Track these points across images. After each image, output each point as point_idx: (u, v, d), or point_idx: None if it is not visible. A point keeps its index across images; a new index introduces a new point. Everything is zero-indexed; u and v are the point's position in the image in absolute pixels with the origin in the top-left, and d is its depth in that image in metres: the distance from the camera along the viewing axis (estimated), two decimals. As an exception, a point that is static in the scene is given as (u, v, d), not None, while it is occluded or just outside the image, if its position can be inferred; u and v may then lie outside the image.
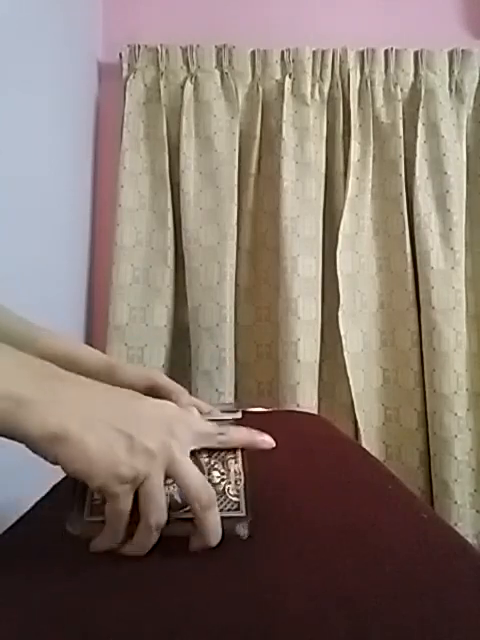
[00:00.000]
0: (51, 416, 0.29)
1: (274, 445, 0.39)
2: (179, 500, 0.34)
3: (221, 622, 0.27)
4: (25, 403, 0.29)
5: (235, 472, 0.38)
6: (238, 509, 0.35)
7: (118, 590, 0.30)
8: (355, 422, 1.30)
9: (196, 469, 0.33)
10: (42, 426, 0.29)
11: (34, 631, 0.27)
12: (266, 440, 0.40)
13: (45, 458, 0.30)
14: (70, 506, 0.35)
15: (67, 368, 0.45)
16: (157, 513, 0.32)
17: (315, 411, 1.27)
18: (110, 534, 0.33)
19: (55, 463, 0.30)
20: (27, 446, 0.29)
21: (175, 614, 0.27)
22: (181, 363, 1.37)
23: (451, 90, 1.41)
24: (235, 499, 0.36)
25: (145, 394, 0.44)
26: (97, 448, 0.30)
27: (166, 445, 0.32)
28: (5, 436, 0.29)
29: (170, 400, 0.44)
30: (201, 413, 0.43)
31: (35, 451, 0.29)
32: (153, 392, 0.46)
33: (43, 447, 0.29)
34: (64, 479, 0.47)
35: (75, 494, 0.35)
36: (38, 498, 0.45)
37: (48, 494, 0.45)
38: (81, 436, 0.30)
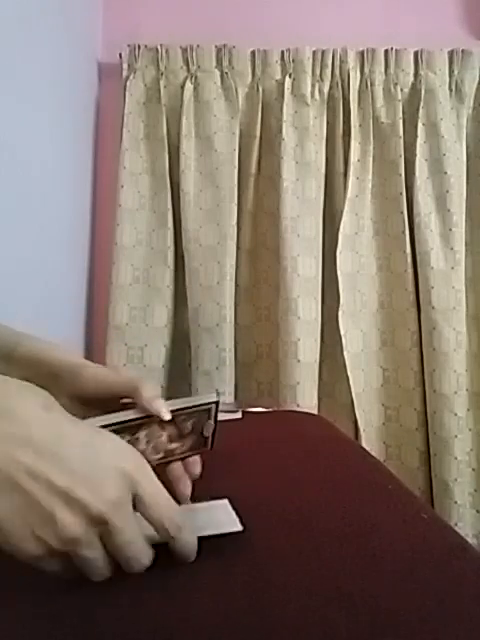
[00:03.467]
0: None
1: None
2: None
3: (221, 622, 0.27)
4: None
5: None
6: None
7: (118, 591, 0.30)
8: (355, 422, 1.30)
9: (162, 493, 0.31)
10: None
11: (34, 633, 0.27)
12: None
13: None
14: None
15: (41, 373, 0.43)
16: (135, 559, 0.29)
17: (315, 411, 1.27)
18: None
19: None
20: None
21: (175, 614, 0.27)
22: (181, 363, 1.37)
23: (451, 90, 1.41)
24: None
25: (107, 397, 0.42)
26: (9, 523, 0.25)
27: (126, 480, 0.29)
28: None
29: (129, 399, 0.41)
30: (172, 419, 0.41)
31: None
32: (113, 396, 0.43)
33: None
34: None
35: None
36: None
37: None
38: None
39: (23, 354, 0.44)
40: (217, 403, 0.45)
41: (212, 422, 0.46)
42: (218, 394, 0.46)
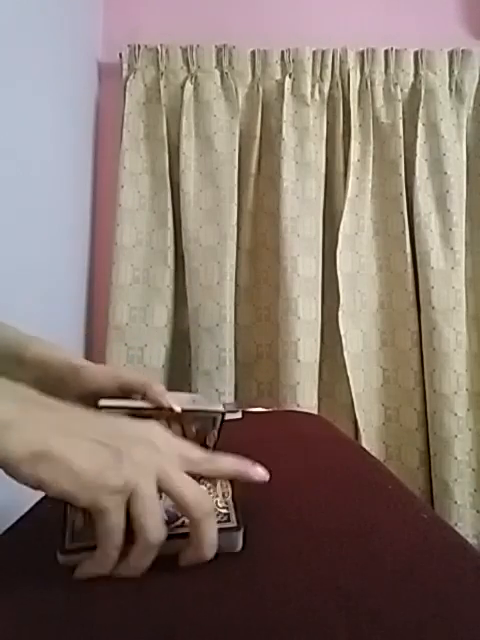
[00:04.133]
0: (33, 435, 0.29)
1: (268, 478, 0.36)
2: (169, 516, 0.32)
3: (221, 622, 0.27)
4: (7, 424, 0.28)
5: (222, 485, 0.37)
6: (228, 520, 0.33)
7: (118, 589, 0.30)
8: (355, 422, 1.30)
9: (190, 478, 0.32)
10: (24, 445, 0.28)
11: (34, 630, 0.27)
12: (258, 472, 0.36)
13: (26, 482, 0.28)
14: (60, 534, 0.33)
15: (49, 375, 0.46)
16: (156, 528, 0.30)
17: (315, 411, 1.27)
18: (101, 557, 0.30)
19: (38, 487, 0.28)
20: (7, 472, 0.28)
21: (175, 614, 0.27)
22: (181, 363, 1.37)
23: (451, 90, 1.41)
24: (224, 511, 0.34)
25: (116, 392, 0.44)
26: (82, 461, 0.29)
27: (154, 459, 0.31)
28: None
29: (140, 393, 0.44)
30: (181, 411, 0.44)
31: (16, 476, 0.28)
32: (123, 389, 0.45)
33: (25, 469, 0.28)
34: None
35: (62, 522, 0.33)
36: (38, 498, 0.45)
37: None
38: (64, 452, 0.29)
39: (33, 357, 0.47)
40: (223, 415, 0.45)
41: (215, 434, 0.46)
42: (225, 407, 0.46)
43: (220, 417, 0.46)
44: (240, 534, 0.33)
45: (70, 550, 0.31)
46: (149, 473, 0.30)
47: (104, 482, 0.29)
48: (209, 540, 0.31)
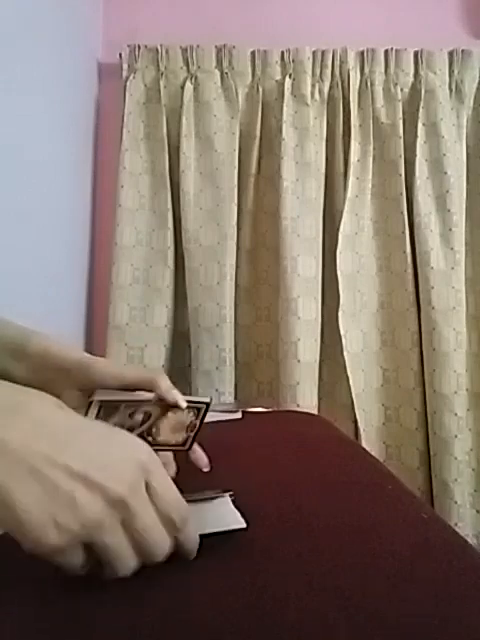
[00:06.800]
0: None
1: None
2: None
3: (221, 622, 0.27)
4: None
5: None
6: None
7: (117, 589, 0.30)
8: (355, 422, 1.30)
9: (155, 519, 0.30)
10: None
11: (35, 631, 0.27)
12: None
13: None
14: None
15: (53, 367, 0.45)
16: (157, 549, 0.30)
17: (315, 411, 1.27)
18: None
19: None
20: None
21: (174, 614, 0.27)
22: (181, 363, 1.37)
23: (451, 90, 1.41)
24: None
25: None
26: (27, 507, 0.25)
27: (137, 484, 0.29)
28: None
29: (146, 390, 0.43)
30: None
31: None
32: (128, 390, 0.44)
33: None
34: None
35: None
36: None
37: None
38: (7, 487, 0.25)
39: (35, 350, 0.45)
40: (208, 405, 0.46)
41: (198, 423, 0.47)
42: (211, 399, 0.47)
43: (204, 408, 0.46)
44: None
45: None
46: (106, 518, 0.27)
47: (56, 540, 0.26)
48: (192, 546, 0.32)
